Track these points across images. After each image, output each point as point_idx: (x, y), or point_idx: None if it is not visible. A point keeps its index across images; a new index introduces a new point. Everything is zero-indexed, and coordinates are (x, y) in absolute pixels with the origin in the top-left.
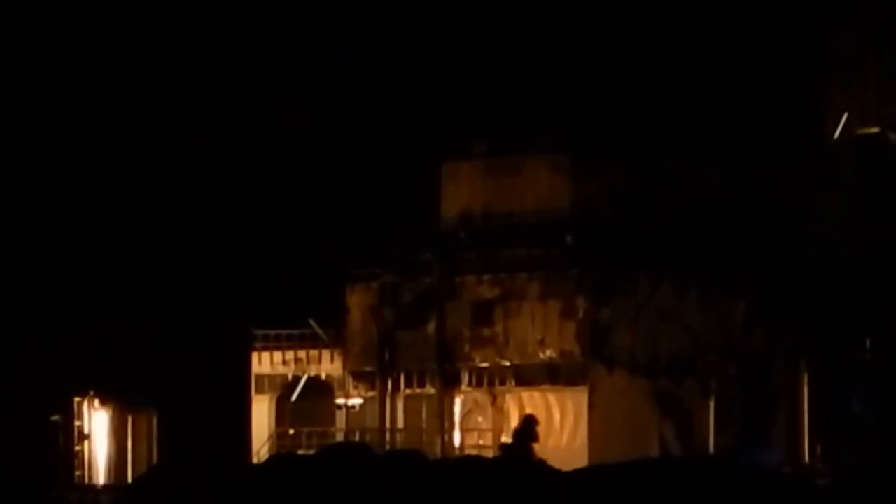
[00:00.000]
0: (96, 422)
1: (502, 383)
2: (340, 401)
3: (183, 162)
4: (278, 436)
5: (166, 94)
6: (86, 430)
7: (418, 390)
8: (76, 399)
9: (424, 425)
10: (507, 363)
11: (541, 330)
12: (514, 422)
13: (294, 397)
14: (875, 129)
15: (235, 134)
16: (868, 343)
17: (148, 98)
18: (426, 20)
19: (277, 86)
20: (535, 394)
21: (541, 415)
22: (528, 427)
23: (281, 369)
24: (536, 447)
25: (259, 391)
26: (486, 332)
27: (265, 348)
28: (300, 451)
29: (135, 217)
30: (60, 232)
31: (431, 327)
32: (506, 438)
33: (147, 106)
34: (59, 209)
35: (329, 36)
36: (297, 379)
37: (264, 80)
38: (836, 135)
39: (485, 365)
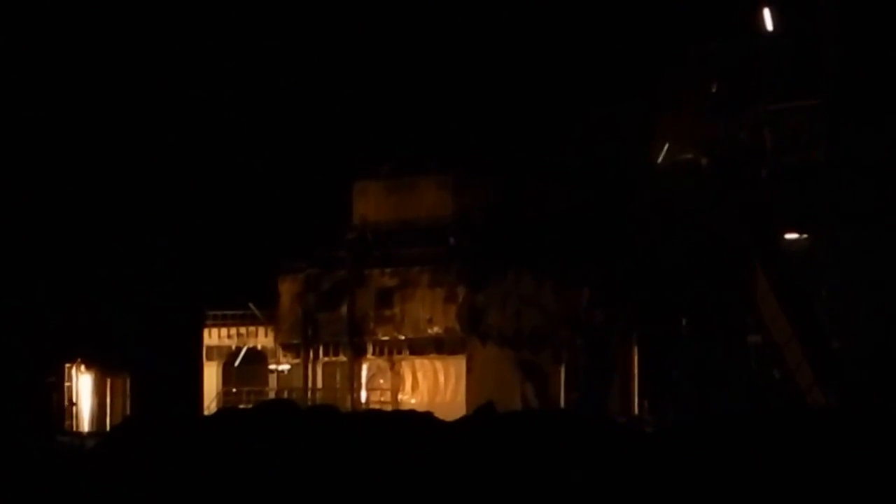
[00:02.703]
0: (82, 383)
1: (399, 353)
2: (273, 366)
3: (155, 169)
4: (224, 394)
5: (117, 90)
6: (74, 389)
7: (334, 358)
8: (66, 365)
9: (338, 386)
10: (403, 337)
11: (429, 311)
12: (410, 383)
13: (236, 363)
14: (690, 155)
15: (194, 149)
16: (684, 321)
17: (98, 92)
18: (343, 68)
19: (236, 99)
20: (425, 361)
21: (429, 378)
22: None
23: (226, 341)
24: (425, 405)
25: (209, 359)
26: (387, 312)
27: (214, 325)
28: (241, 406)
29: (113, 217)
30: (47, 231)
31: (344, 309)
32: (402, 395)
33: (102, 102)
34: (40, 210)
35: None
36: (239, 349)
37: (222, 91)
38: (660, 159)
39: (386, 338)
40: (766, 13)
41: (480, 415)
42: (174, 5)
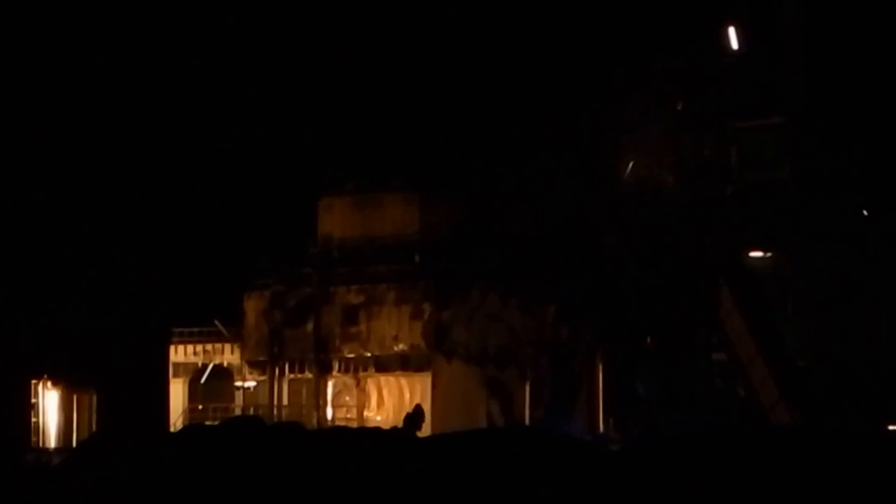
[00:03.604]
0: (48, 399)
1: (365, 370)
2: (239, 383)
3: (120, 186)
4: (190, 410)
5: (83, 103)
6: (40, 405)
7: (299, 375)
8: (33, 381)
9: (304, 403)
10: (369, 354)
11: (395, 328)
12: (375, 400)
13: (203, 380)
14: (656, 173)
15: (159, 167)
16: (649, 338)
17: (65, 106)
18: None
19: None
20: (391, 378)
21: (394, 395)
22: (417, 415)
23: (193, 358)
24: (391, 423)
25: (175, 375)
26: (353, 329)
27: (180, 342)
28: (207, 423)
29: (79, 234)
30: (11, 248)
31: (310, 326)
32: (368, 412)
33: (73, 114)
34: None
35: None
36: (205, 366)
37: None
38: (625, 176)
39: (351, 355)
40: (732, 31)
41: (407, 424)
42: (112, 40)
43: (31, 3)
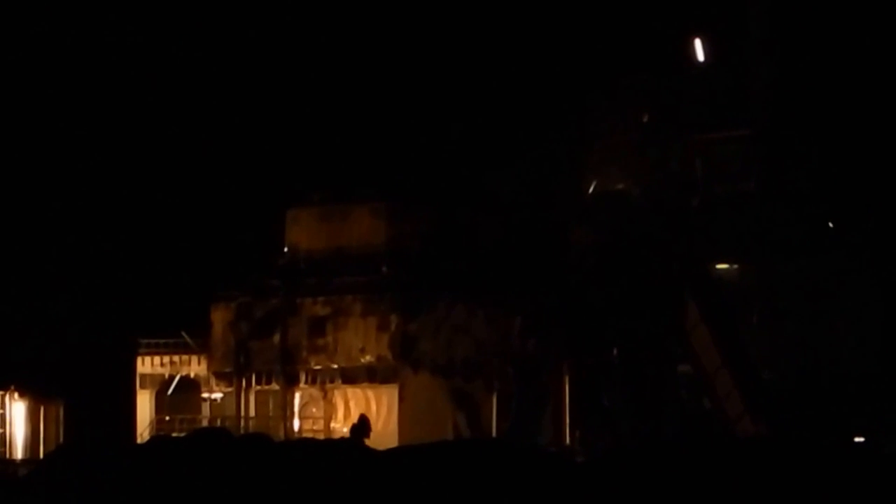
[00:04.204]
0: (16, 410)
1: (332, 381)
2: (206, 394)
3: (87, 196)
4: (157, 421)
5: (40, 119)
6: (7, 416)
7: (266, 387)
8: (0, 392)
9: (271, 414)
10: (336, 366)
11: (362, 340)
12: (342, 412)
13: (169, 392)
14: (622, 185)
15: (125, 176)
16: (615, 351)
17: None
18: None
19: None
20: (358, 390)
21: (361, 407)
22: (363, 424)
23: (159, 370)
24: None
25: (142, 387)
26: (320, 341)
27: (147, 353)
28: (174, 434)
29: (46, 245)
30: None
31: (277, 337)
32: (335, 424)
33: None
34: None
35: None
36: (172, 377)
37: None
38: (591, 189)
39: (318, 367)
40: (698, 44)
41: (353, 434)
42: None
43: None
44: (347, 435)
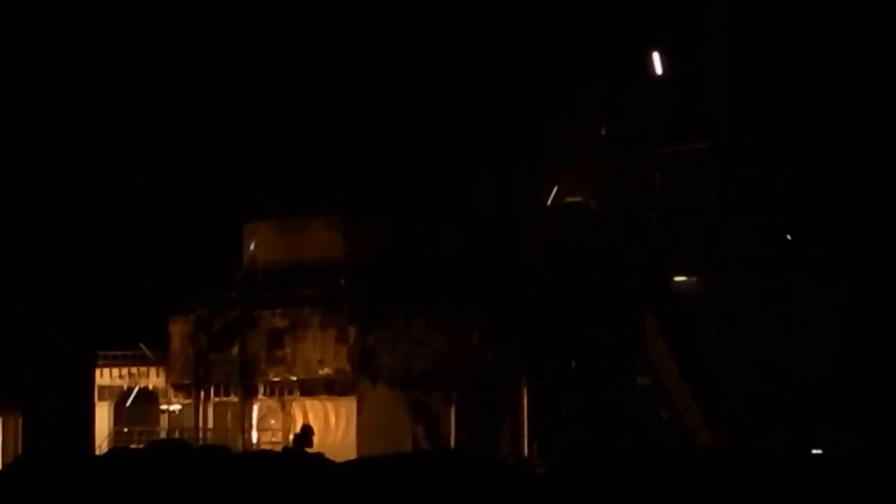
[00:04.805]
0: None
1: (290, 393)
2: (164, 406)
3: (45, 207)
4: (116, 433)
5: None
6: None
7: (225, 399)
8: None
9: (229, 426)
10: (294, 378)
11: (321, 352)
12: (300, 424)
13: (128, 403)
14: (580, 197)
15: (84, 188)
16: (573, 364)
17: None
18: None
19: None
20: (316, 402)
21: (320, 418)
22: (305, 435)
23: (118, 381)
24: (315, 446)
25: (101, 398)
26: (278, 353)
27: (106, 365)
28: (133, 446)
29: (2, 259)
30: None
31: (235, 350)
32: (293, 436)
33: None
34: None
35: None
36: (130, 389)
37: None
38: (550, 201)
39: (277, 379)
40: (656, 56)
41: (296, 444)
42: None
43: None
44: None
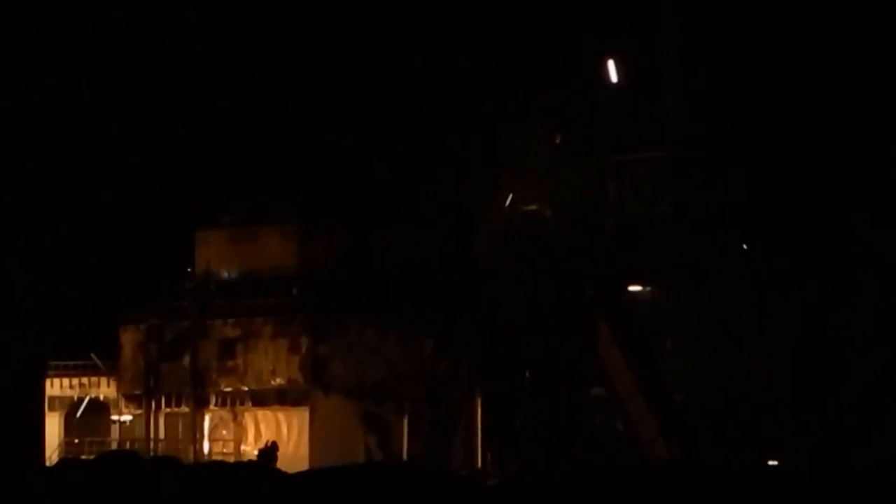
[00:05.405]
0: None
1: (242, 404)
2: (115, 417)
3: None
4: (66, 444)
5: None
6: None
7: (176, 409)
8: None
9: (180, 437)
10: (246, 388)
11: (273, 362)
12: (252, 434)
13: (78, 414)
14: (535, 206)
15: (32, 196)
16: (528, 375)
17: None
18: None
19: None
20: (268, 412)
21: (272, 429)
22: (271, 451)
23: (68, 392)
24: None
25: (51, 409)
26: (230, 363)
27: (56, 375)
28: (83, 457)
29: None
30: None
31: (187, 360)
32: (245, 447)
33: None
34: None
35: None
36: (81, 399)
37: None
38: (505, 209)
39: (228, 389)
40: (611, 65)
41: (261, 458)
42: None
43: None
44: (256, 458)
